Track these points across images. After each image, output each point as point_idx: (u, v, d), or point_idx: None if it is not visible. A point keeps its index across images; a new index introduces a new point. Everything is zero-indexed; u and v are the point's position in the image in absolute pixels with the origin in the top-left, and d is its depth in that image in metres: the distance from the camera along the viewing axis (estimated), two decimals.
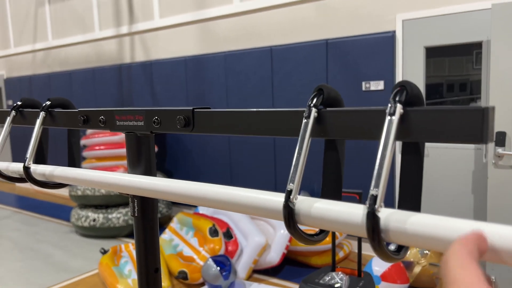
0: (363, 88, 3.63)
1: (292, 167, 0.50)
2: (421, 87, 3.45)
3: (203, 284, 3.17)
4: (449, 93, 3.50)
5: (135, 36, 5.45)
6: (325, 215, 0.48)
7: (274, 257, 3.32)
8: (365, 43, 3.62)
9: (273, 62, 4.20)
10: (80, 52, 6.20)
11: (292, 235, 0.51)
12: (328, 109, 0.54)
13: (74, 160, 0.86)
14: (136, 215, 0.75)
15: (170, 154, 5.19)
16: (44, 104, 0.78)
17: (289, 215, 0.50)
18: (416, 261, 2.98)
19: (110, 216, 4.42)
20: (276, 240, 3.36)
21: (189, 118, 0.63)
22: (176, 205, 5.23)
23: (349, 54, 3.71)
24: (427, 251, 2.98)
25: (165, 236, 3.86)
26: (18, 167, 0.78)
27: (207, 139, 4.78)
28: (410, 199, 0.51)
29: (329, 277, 1.78)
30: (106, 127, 0.71)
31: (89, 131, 4.87)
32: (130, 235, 4.55)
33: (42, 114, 0.77)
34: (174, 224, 3.87)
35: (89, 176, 0.66)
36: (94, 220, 4.42)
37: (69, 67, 6.40)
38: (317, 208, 0.49)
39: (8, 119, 0.82)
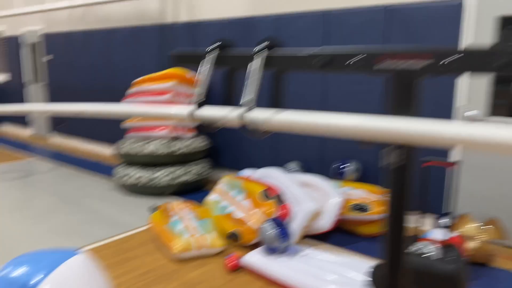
0: None
1: None
2: None
3: (255, 245, 3.21)
4: None
5: None
6: None
7: (324, 223, 3.34)
8: (429, 11, 3.47)
9: (325, 28, 4.08)
10: (120, 10, 6.12)
11: None
12: None
13: (279, 104, 0.82)
14: (395, 166, 0.68)
15: None
16: (260, 46, 0.73)
17: None
18: (473, 236, 2.96)
19: (154, 175, 4.47)
20: (328, 207, 3.37)
21: None
22: (216, 168, 5.27)
23: (410, 22, 3.57)
24: (486, 227, 2.96)
25: (211, 197, 3.90)
26: (238, 112, 0.73)
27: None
28: None
29: (421, 246, 1.77)
30: (364, 70, 0.64)
31: (132, 90, 4.87)
32: (173, 194, 4.61)
33: (263, 54, 0.71)
34: (221, 186, 3.90)
35: (337, 122, 0.62)
36: (138, 178, 4.48)
37: (108, 24, 6.34)
38: None
39: (211, 59, 0.77)
